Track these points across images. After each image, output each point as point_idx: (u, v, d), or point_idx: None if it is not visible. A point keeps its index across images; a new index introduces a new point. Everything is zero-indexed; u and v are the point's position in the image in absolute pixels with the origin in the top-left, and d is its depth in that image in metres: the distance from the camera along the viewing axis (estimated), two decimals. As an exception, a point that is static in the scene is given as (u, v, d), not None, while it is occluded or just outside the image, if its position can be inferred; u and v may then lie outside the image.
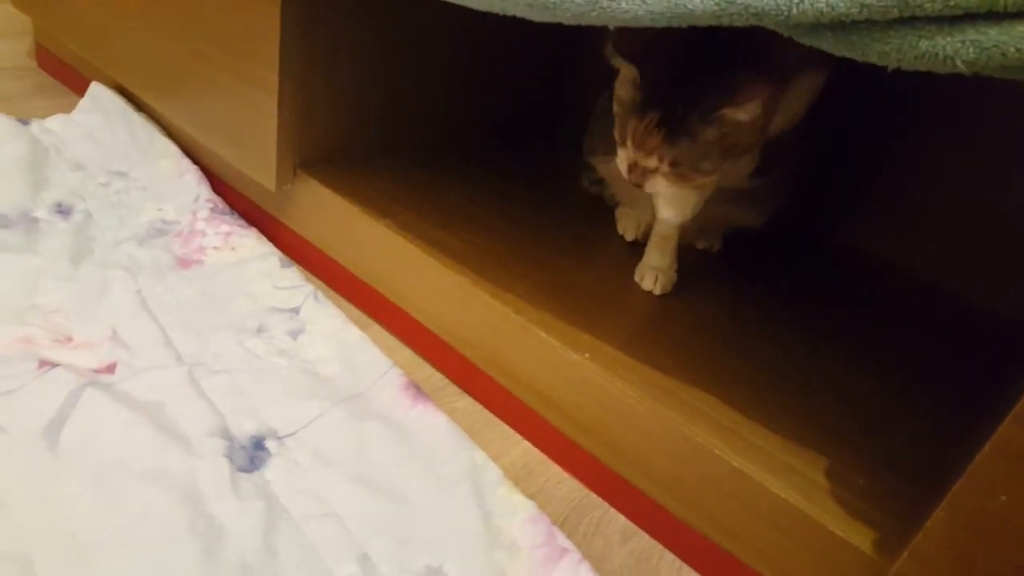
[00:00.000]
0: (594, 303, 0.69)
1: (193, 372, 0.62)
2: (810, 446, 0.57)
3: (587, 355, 0.61)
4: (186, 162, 0.87)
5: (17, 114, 0.87)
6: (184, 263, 0.75)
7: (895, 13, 0.35)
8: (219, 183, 0.87)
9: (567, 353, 0.61)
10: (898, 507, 0.52)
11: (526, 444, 0.68)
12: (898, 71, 0.38)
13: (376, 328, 0.77)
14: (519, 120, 1.07)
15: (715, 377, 0.62)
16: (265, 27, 0.68)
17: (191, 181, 0.85)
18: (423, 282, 0.71)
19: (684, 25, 0.43)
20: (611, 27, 0.54)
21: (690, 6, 0.41)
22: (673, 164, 0.61)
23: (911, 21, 0.36)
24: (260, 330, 0.69)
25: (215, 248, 0.78)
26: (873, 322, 0.83)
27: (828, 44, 0.39)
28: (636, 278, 0.75)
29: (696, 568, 0.60)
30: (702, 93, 0.58)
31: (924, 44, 0.35)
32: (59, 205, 0.77)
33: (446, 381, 0.72)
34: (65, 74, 1.05)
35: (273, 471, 0.56)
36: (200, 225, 0.80)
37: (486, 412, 0.70)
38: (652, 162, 0.62)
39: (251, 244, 0.80)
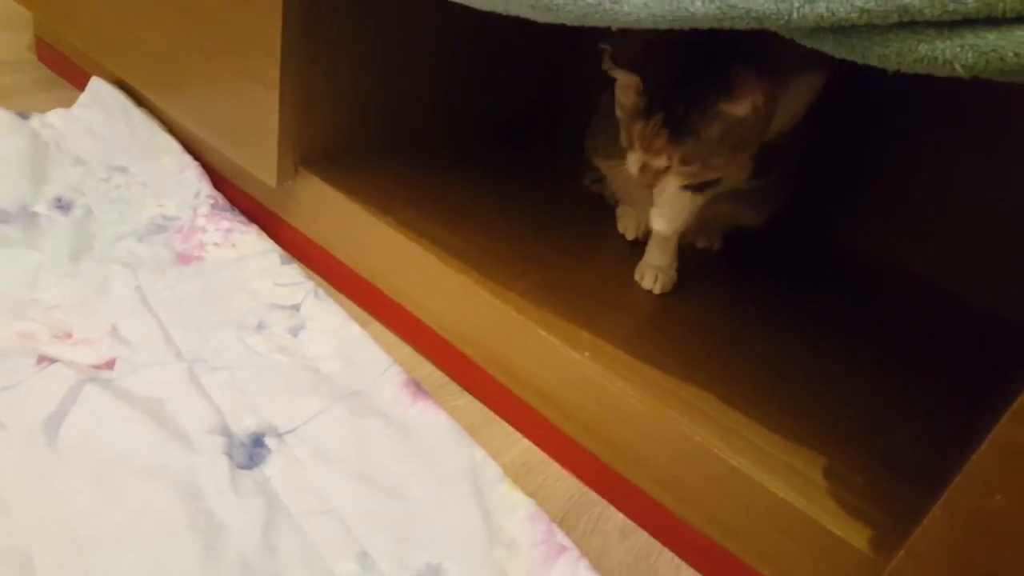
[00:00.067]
0: (594, 302, 0.69)
1: (193, 369, 0.62)
2: (809, 445, 0.57)
3: (587, 353, 0.61)
4: (187, 158, 0.87)
5: (17, 108, 0.87)
6: (184, 259, 0.75)
7: (895, 18, 0.35)
8: (220, 179, 0.87)
9: (567, 351, 0.61)
10: (896, 506, 0.52)
11: (526, 442, 0.68)
12: (898, 72, 0.38)
13: (376, 325, 0.77)
14: (520, 119, 1.07)
15: (715, 376, 0.62)
16: (267, 23, 0.68)
17: (192, 177, 0.85)
18: (424, 280, 0.71)
19: (686, 28, 0.43)
20: (611, 33, 0.54)
21: (692, 9, 0.41)
22: (683, 162, 0.62)
23: (911, 25, 0.36)
24: (260, 327, 0.69)
25: (215, 244, 0.78)
26: (873, 321, 0.83)
27: (829, 47, 0.39)
28: (636, 277, 0.75)
29: (695, 566, 0.60)
30: (702, 91, 0.59)
31: (923, 48, 0.36)
32: (59, 200, 0.77)
33: (446, 379, 0.72)
34: (65, 68, 1.05)
35: (273, 468, 0.56)
36: (201, 221, 0.80)
37: (486, 410, 0.70)
38: (661, 162, 0.62)
39: (252, 241, 0.80)
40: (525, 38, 0.98)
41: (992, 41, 0.33)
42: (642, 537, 0.61)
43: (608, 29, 0.48)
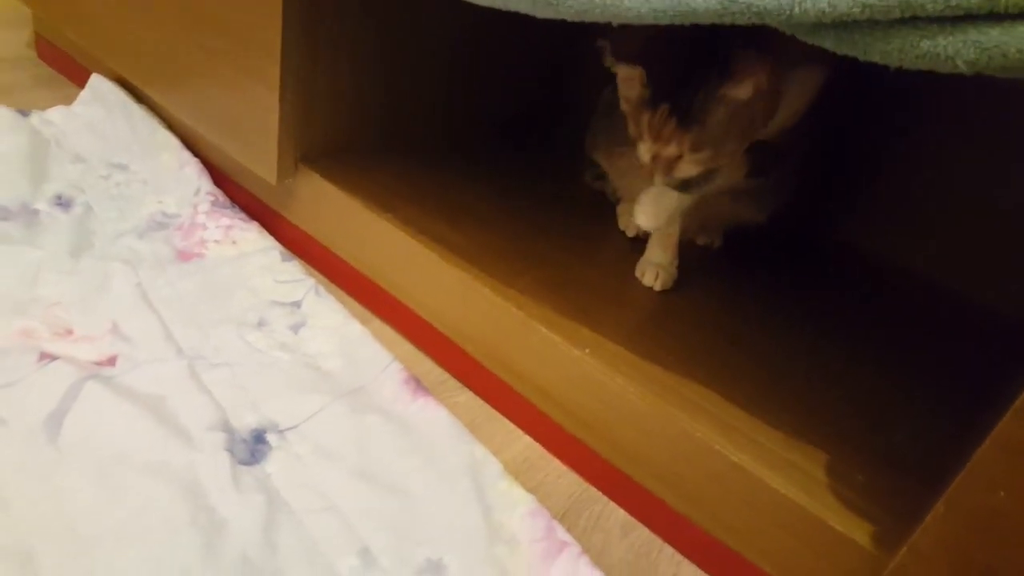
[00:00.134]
0: (595, 299, 0.69)
1: (194, 365, 0.62)
2: (810, 442, 0.57)
3: (588, 351, 0.61)
4: (187, 155, 0.87)
5: (17, 105, 0.87)
6: (185, 256, 0.75)
7: (897, 13, 0.35)
8: (220, 176, 0.87)
9: (568, 349, 0.61)
10: (897, 503, 0.52)
11: (527, 439, 0.68)
12: (900, 69, 0.38)
13: (377, 323, 0.77)
14: (521, 117, 1.06)
15: (716, 373, 0.62)
16: (267, 20, 0.67)
17: (192, 174, 0.85)
18: (424, 277, 0.71)
19: (687, 23, 0.43)
20: (610, 29, 0.54)
21: (693, 4, 0.41)
22: (694, 149, 0.61)
23: (913, 21, 0.36)
24: (261, 324, 0.69)
25: (216, 242, 0.78)
26: (873, 319, 0.83)
27: (830, 43, 0.39)
28: (637, 274, 0.75)
29: (695, 562, 0.60)
30: (705, 77, 0.59)
31: (925, 44, 0.36)
32: (59, 197, 0.77)
33: (447, 376, 0.72)
34: (65, 65, 1.05)
35: (274, 464, 0.56)
36: (201, 218, 0.80)
37: (487, 407, 0.70)
38: (672, 150, 0.62)
39: (252, 238, 0.80)
40: (525, 37, 0.98)
41: (995, 37, 0.33)
42: (643, 533, 0.61)
43: (608, 25, 0.48)
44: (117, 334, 0.63)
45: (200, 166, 0.86)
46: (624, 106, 0.65)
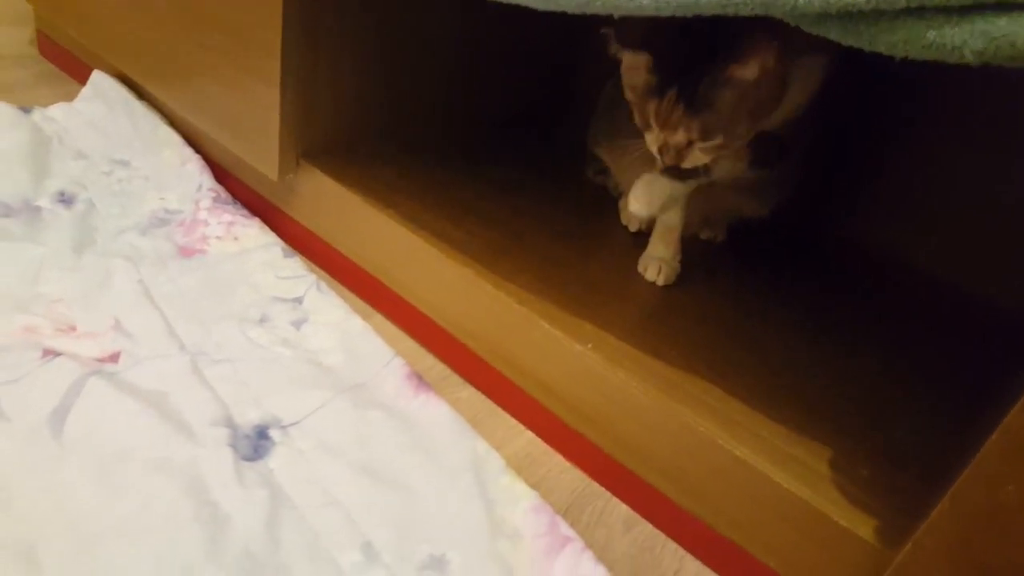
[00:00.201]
0: (597, 294, 0.69)
1: (196, 362, 0.62)
2: (813, 437, 0.57)
3: (590, 346, 0.61)
4: (188, 151, 0.87)
5: (19, 102, 0.87)
6: (186, 253, 0.75)
7: (903, 3, 0.35)
8: (221, 173, 0.87)
9: (570, 344, 0.61)
10: (901, 498, 0.52)
11: (529, 434, 0.68)
12: (904, 61, 0.38)
13: (379, 318, 0.77)
14: (522, 113, 1.06)
15: (718, 368, 0.62)
16: (267, 17, 0.67)
17: (193, 170, 0.85)
18: (426, 272, 0.71)
19: (689, 15, 0.43)
20: (611, 21, 0.53)
21: None
22: (703, 135, 0.60)
23: (919, 11, 0.35)
24: (263, 320, 0.69)
25: (218, 238, 0.78)
26: (876, 314, 0.82)
27: (835, 33, 0.39)
28: (640, 269, 0.75)
29: (699, 557, 0.60)
30: (711, 60, 0.58)
31: (932, 34, 0.35)
32: (62, 194, 0.77)
33: (449, 371, 0.72)
34: (67, 62, 1.05)
35: (277, 460, 0.56)
36: (203, 215, 0.80)
37: (489, 402, 0.70)
38: (680, 137, 0.61)
39: (254, 234, 0.80)
40: (526, 33, 0.98)
41: (1003, 27, 0.33)
42: (646, 528, 0.61)
43: (609, 17, 0.48)
44: (119, 330, 0.63)
45: (202, 162, 0.86)
46: (629, 96, 0.64)
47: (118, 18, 0.86)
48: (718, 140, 0.61)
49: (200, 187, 0.83)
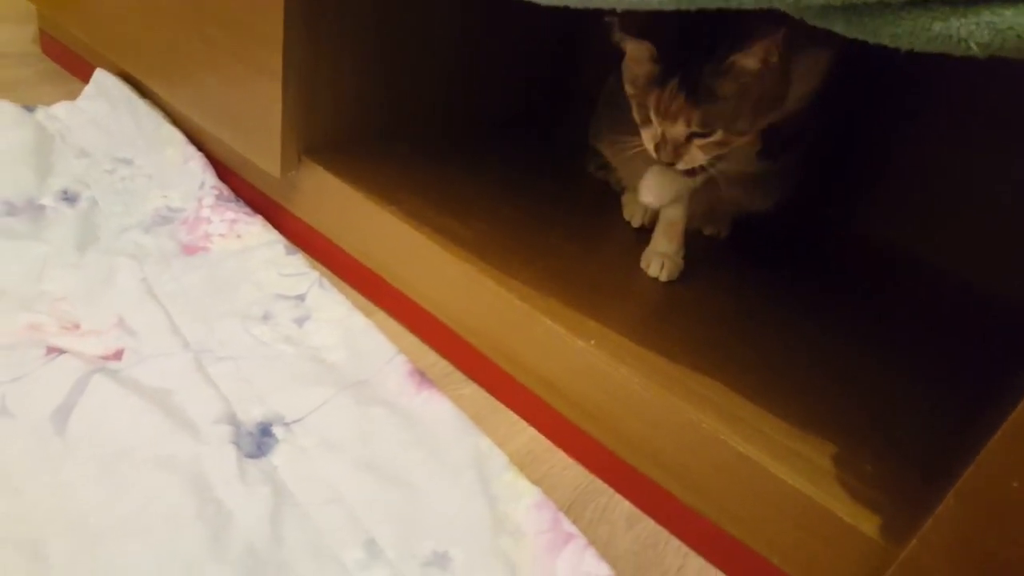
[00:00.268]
0: (600, 290, 0.69)
1: (200, 359, 0.62)
2: (817, 433, 0.57)
3: (593, 342, 0.61)
4: (191, 149, 0.87)
5: (22, 101, 0.87)
6: (190, 250, 0.75)
7: None
8: (224, 170, 0.87)
9: (573, 340, 0.61)
10: (906, 494, 0.52)
11: (531, 431, 0.68)
12: (909, 55, 0.38)
13: (381, 315, 0.77)
14: (524, 109, 1.06)
15: (721, 364, 0.62)
16: (269, 11, 0.67)
17: (196, 168, 0.85)
18: (428, 269, 0.70)
19: (693, 8, 0.43)
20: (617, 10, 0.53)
21: None
22: (703, 125, 0.60)
23: (924, 3, 0.35)
24: (266, 317, 0.69)
25: (220, 235, 0.78)
26: (880, 310, 0.82)
27: (839, 26, 0.39)
28: (642, 265, 0.75)
29: (702, 554, 0.60)
30: (714, 49, 0.57)
31: (938, 26, 0.35)
32: (65, 192, 0.77)
33: (451, 368, 0.72)
34: (69, 61, 1.05)
35: (280, 457, 0.56)
36: (205, 212, 0.80)
37: (491, 399, 0.70)
38: (680, 128, 0.60)
39: (256, 231, 0.80)
40: (528, 27, 0.97)
41: (1009, 18, 0.33)
42: (649, 525, 0.61)
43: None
44: (123, 328, 0.63)
45: (204, 160, 0.86)
46: (629, 89, 0.64)
47: (120, 16, 0.86)
48: (718, 135, 0.60)
49: (203, 185, 0.83)
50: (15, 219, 0.71)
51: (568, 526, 0.56)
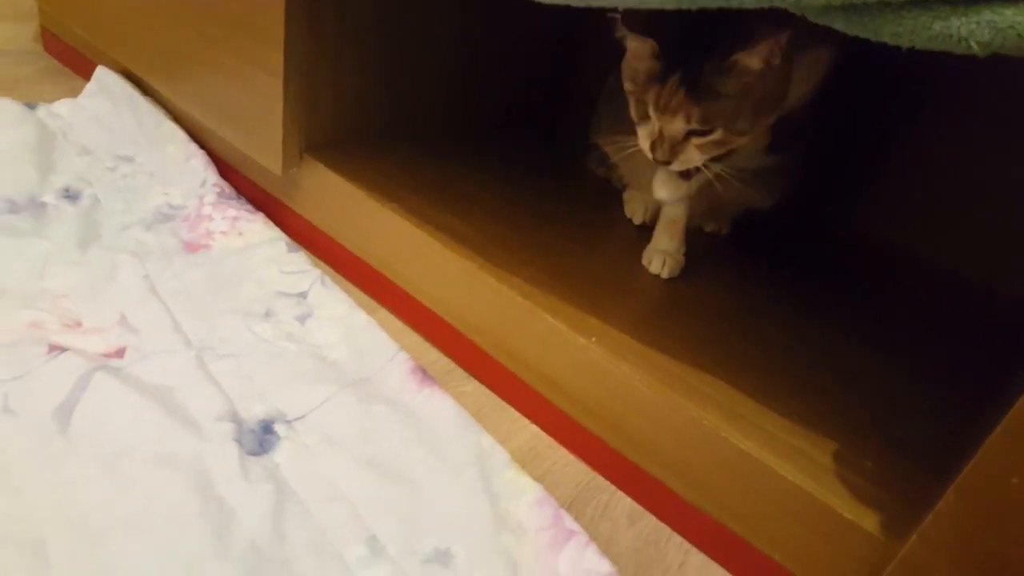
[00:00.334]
0: (601, 287, 0.69)
1: (202, 356, 0.62)
2: (818, 430, 0.57)
3: (594, 339, 0.61)
4: (193, 147, 0.87)
5: (24, 98, 0.87)
6: (191, 248, 0.75)
7: None
8: (226, 168, 0.87)
9: (574, 337, 0.61)
10: (907, 490, 0.52)
11: (533, 428, 0.68)
12: (911, 53, 0.38)
13: (383, 313, 0.77)
14: (524, 106, 1.06)
15: (723, 361, 0.62)
16: (270, 10, 0.67)
17: (198, 166, 0.85)
18: (430, 267, 0.71)
19: (695, 8, 0.43)
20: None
21: None
22: (703, 122, 0.59)
23: (925, 2, 0.35)
24: (268, 315, 0.70)
25: (222, 233, 0.78)
26: (881, 307, 0.82)
27: (840, 24, 0.39)
28: (644, 262, 0.75)
29: (703, 550, 0.60)
30: (716, 46, 0.57)
31: (938, 25, 0.35)
32: (67, 190, 0.77)
33: (453, 365, 0.72)
34: (71, 58, 1.05)
35: (282, 454, 0.56)
36: (207, 210, 0.80)
37: (493, 396, 0.70)
38: (679, 125, 0.60)
39: (258, 229, 0.80)
40: (529, 24, 0.97)
41: (1009, 17, 0.33)
42: (651, 522, 0.61)
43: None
44: (125, 326, 0.63)
45: (206, 158, 0.86)
46: (628, 86, 0.63)
47: (122, 14, 0.87)
48: (717, 135, 0.60)
49: (204, 182, 0.83)
50: (17, 216, 0.71)
51: (570, 523, 0.56)
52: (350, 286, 0.79)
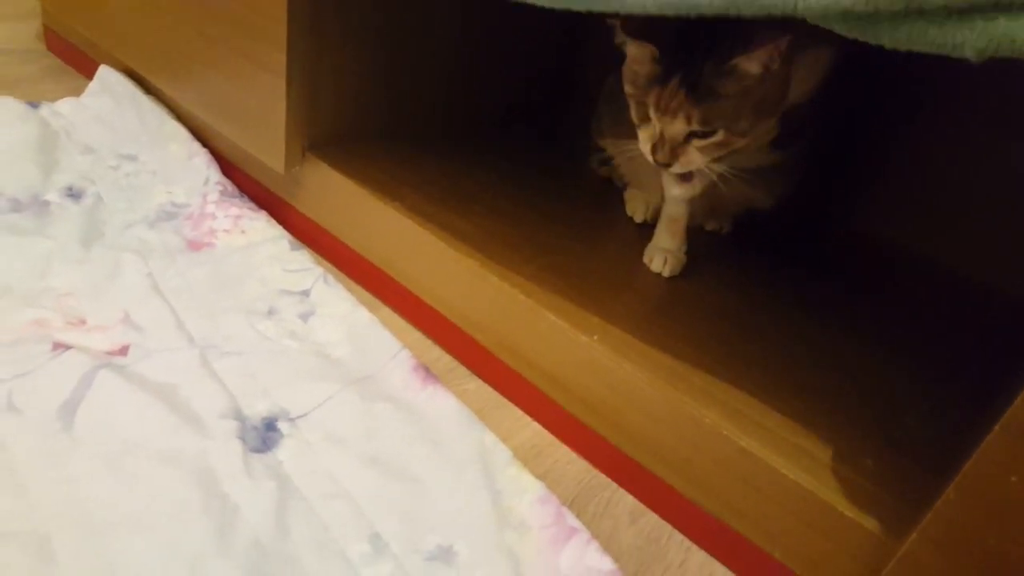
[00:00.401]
0: (603, 285, 0.69)
1: (205, 354, 0.63)
2: (819, 428, 0.57)
3: (596, 337, 0.61)
4: (195, 145, 0.87)
5: (26, 97, 0.87)
6: (195, 246, 0.76)
7: (900, 6, 0.35)
8: (228, 166, 0.87)
9: (576, 335, 0.61)
10: (907, 488, 0.52)
11: (535, 425, 0.68)
12: (911, 53, 0.38)
13: (386, 311, 0.77)
14: (526, 104, 1.06)
15: (724, 359, 0.62)
16: (273, 9, 0.67)
17: (200, 164, 0.85)
18: (432, 265, 0.71)
19: (692, 15, 0.43)
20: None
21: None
22: (704, 123, 0.60)
23: (920, 11, 0.35)
24: (270, 312, 0.70)
25: (225, 231, 0.78)
26: (882, 305, 0.82)
27: (839, 28, 0.39)
28: (645, 260, 0.75)
29: (705, 548, 0.60)
30: (716, 49, 0.57)
31: (933, 32, 0.35)
32: (70, 188, 0.78)
33: (455, 363, 0.73)
34: (73, 57, 1.05)
35: (285, 452, 0.57)
36: (210, 208, 0.80)
37: (495, 394, 0.70)
38: (679, 126, 0.60)
39: (261, 227, 0.80)
40: (531, 22, 0.97)
41: (1003, 25, 0.33)
42: (652, 520, 0.62)
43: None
44: (129, 323, 0.64)
45: (208, 156, 0.86)
46: (629, 89, 0.64)
47: (124, 13, 0.87)
48: (719, 136, 0.60)
49: (207, 181, 0.83)
50: (20, 215, 0.72)
51: (572, 520, 0.56)
52: (353, 284, 0.79)
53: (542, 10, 0.52)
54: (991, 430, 0.39)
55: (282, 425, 0.59)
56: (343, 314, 0.72)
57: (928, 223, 0.92)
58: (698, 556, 0.60)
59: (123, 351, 0.61)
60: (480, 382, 0.71)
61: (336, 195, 0.77)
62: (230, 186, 0.84)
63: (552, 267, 0.69)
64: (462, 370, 0.72)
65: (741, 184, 0.75)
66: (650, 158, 0.63)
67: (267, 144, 0.76)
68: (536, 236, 0.74)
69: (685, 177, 0.66)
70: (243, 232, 0.79)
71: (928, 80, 0.88)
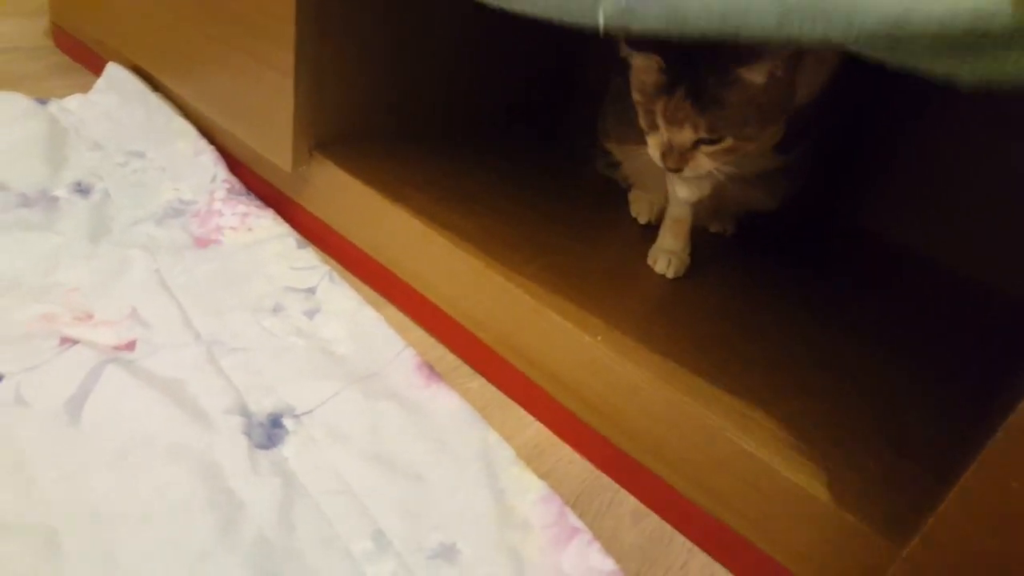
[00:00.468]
0: (607, 286, 0.69)
1: (212, 350, 0.63)
2: (821, 430, 0.57)
3: (599, 337, 0.61)
4: (203, 143, 0.87)
5: (35, 94, 0.88)
6: (201, 243, 0.76)
7: (885, 45, 0.36)
8: (235, 164, 0.88)
9: (580, 335, 0.62)
10: (910, 492, 0.52)
11: (538, 425, 0.68)
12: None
13: (391, 309, 0.77)
14: (531, 105, 1.06)
15: (727, 361, 0.62)
16: (280, 9, 0.68)
17: (208, 161, 0.85)
18: (437, 264, 0.71)
19: (696, 36, 0.43)
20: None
21: (696, 25, 0.42)
22: (710, 132, 0.60)
23: (912, 39, 0.36)
24: (276, 309, 0.70)
25: (232, 228, 0.79)
26: (886, 307, 0.82)
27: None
28: (649, 261, 0.75)
29: (707, 550, 0.60)
30: (721, 58, 0.57)
31: (924, 65, 0.36)
32: (78, 184, 0.78)
33: (459, 362, 0.73)
34: (82, 54, 1.05)
35: (290, 448, 0.57)
36: (217, 205, 0.81)
37: (499, 393, 0.71)
38: (687, 135, 0.61)
39: (268, 225, 0.80)
40: (535, 26, 0.97)
41: (988, 62, 0.34)
42: (654, 520, 0.62)
43: None
44: (136, 319, 0.64)
45: (216, 154, 0.86)
46: (637, 97, 0.64)
47: (132, 11, 0.87)
48: (727, 143, 0.61)
49: (214, 178, 0.84)
50: (29, 210, 0.72)
51: (574, 520, 0.56)
52: (358, 282, 0.80)
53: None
54: (992, 434, 0.39)
55: (287, 421, 0.59)
56: (348, 312, 0.72)
57: (932, 223, 0.92)
58: (700, 558, 0.60)
59: (130, 346, 0.61)
60: (483, 381, 0.71)
61: (343, 194, 0.77)
62: (237, 184, 0.84)
63: (553, 267, 0.69)
64: (466, 369, 0.72)
65: (745, 186, 0.76)
66: (660, 164, 0.64)
67: (274, 143, 0.77)
68: (537, 236, 0.74)
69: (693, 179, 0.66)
70: (250, 229, 0.79)
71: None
